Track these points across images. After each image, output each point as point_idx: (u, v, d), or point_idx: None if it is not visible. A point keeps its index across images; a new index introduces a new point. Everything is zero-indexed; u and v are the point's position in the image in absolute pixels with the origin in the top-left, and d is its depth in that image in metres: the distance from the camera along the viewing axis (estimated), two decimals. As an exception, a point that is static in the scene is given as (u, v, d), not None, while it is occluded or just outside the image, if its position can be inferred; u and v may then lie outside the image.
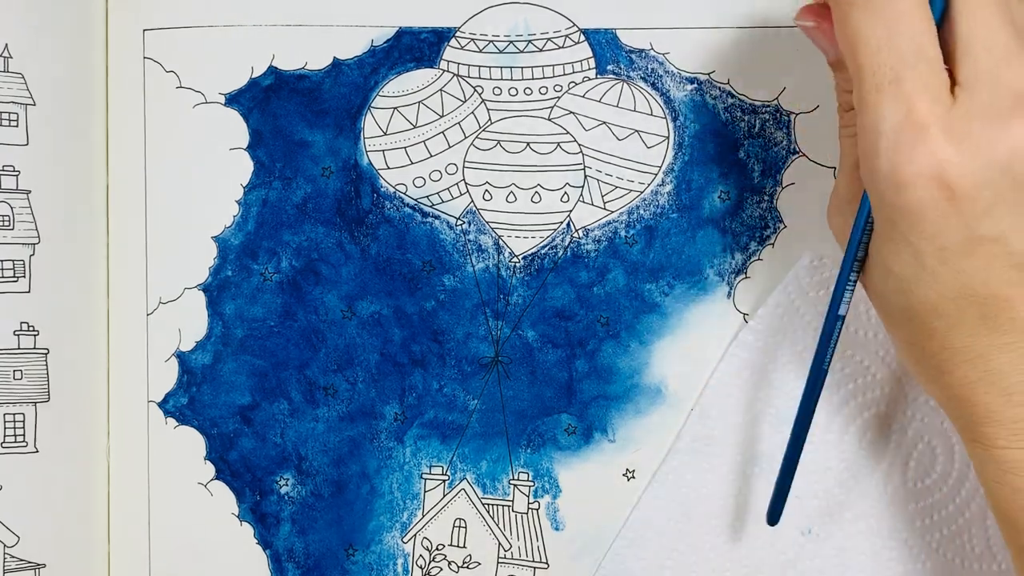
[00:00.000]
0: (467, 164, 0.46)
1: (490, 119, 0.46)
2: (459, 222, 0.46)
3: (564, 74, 0.46)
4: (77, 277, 0.46)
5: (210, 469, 0.47)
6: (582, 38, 0.45)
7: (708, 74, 0.45)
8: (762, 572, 0.46)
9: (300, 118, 0.46)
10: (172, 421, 0.47)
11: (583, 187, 0.46)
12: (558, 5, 0.45)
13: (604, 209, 0.46)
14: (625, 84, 0.45)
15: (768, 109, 0.45)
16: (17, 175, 0.45)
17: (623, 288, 0.46)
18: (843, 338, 0.44)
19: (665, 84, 0.45)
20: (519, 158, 0.46)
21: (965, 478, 0.44)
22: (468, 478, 0.47)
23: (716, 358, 0.46)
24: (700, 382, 0.46)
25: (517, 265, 0.46)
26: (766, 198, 0.45)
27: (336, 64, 0.46)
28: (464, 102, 0.46)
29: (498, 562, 0.47)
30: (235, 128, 0.46)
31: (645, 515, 0.46)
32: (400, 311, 0.47)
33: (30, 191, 0.45)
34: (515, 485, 0.47)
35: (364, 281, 0.47)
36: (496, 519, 0.47)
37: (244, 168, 0.46)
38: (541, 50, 0.46)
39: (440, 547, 0.47)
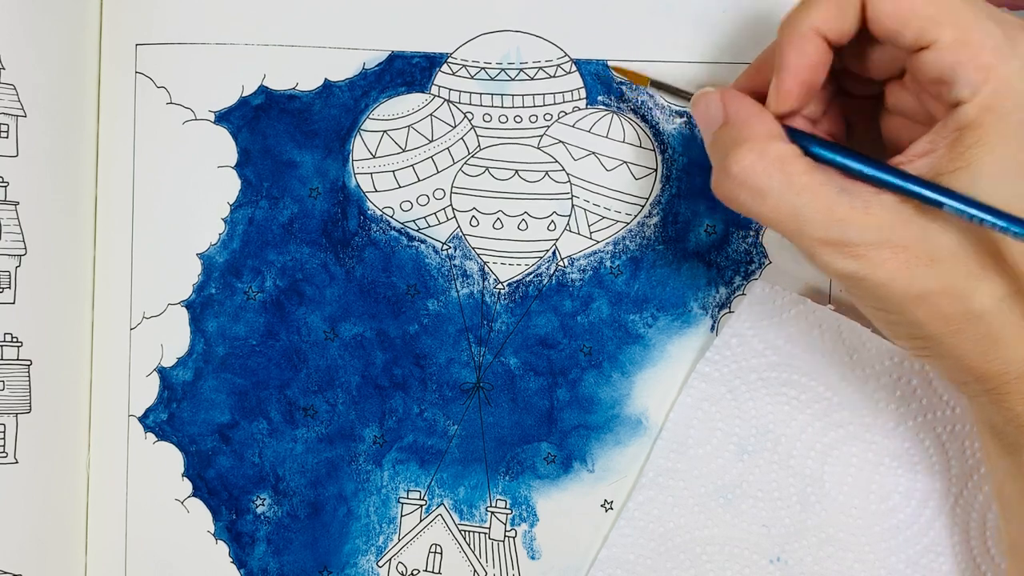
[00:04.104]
0: (455, 190, 0.46)
1: (479, 145, 0.46)
2: (445, 247, 0.46)
3: (554, 103, 0.46)
4: (62, 289, 0.46)
5: (187, 486, 0.47)
6: (573, 68, 0.45)
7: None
8: (736, 608, 0.46)
9: (289, 138, 0.46)
10: (152, 436, 0.47)
11: (570, 216, 0.46)
12: (550, 34, 0.45)
13: (590, 239, 0.46)
14: (615, 115, 0.45)
15: (757, 145, 0.45)
16: (6, 186, 0.45)
17: (607, 318, 0.46)
18: (798, 364, 0.45)
19: (655, 117, 0.45)
20: (507, 185, 0.46)
21: (929, 498, 0.44)
22: (445, 504, 0.47)
23: (697, 392, 0.46)
24: (681, 415, 0.46)
25: (501, 292, 0.46)
26: (752, 233, 0.45)
27: (327, 86, 0.46)
28: (454, 128, 0.46)
29: (473, 589, 0.47)
30: (224, 146, 0.46)
31: (614, 553, 0.46)
32: (383, 334, 0.47)
33: (18, 202, 0.45)
34: (492, 512, 0.47)
35: (348, 303, 0.47)
36: (472, 546, 0.47)
37: (231, 186, 0.46)
38: (532, 79, 0.45)
39: (415, 572, 0.47)
